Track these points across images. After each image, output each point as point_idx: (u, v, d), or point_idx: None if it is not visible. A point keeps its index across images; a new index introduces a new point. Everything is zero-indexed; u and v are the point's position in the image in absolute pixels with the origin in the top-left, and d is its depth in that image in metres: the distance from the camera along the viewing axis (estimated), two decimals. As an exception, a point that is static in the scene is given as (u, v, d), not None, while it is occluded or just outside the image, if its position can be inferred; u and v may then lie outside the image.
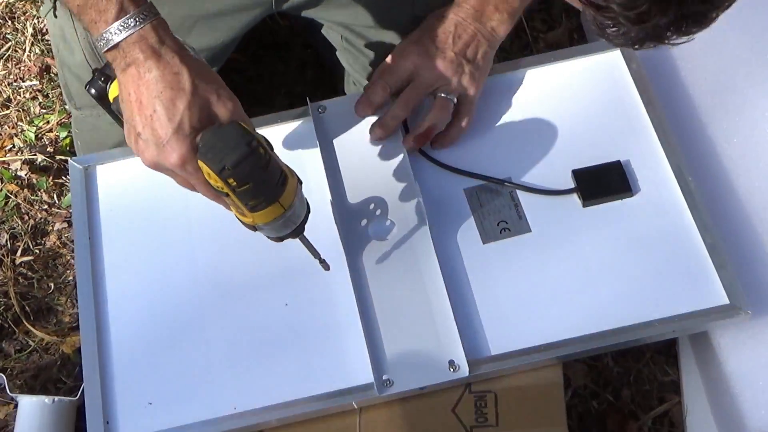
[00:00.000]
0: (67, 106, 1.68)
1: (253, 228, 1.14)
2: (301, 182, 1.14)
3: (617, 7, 0.89)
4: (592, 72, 1.45)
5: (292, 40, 1.93)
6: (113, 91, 1.15)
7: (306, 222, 1.16)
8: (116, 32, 1.08)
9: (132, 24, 1.08)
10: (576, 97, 1.43)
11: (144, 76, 1.08)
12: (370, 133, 1.38)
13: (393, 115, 1.38)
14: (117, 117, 1.17)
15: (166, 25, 1.11)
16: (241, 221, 1.15)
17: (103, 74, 1.16)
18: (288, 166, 1.12)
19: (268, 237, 1.17)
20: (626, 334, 1.23)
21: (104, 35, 1.08)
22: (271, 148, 1.11)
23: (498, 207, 1.33)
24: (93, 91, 1.17)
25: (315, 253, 1.20)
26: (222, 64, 1.54)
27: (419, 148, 1.38)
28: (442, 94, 1.36)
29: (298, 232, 1.16)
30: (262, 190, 1.09)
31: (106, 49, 1.09)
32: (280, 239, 1.17)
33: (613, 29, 0.93)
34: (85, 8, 1.09)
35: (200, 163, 1.08)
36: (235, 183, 1.06)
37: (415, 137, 1.37)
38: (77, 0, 1.08)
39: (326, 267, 1.22)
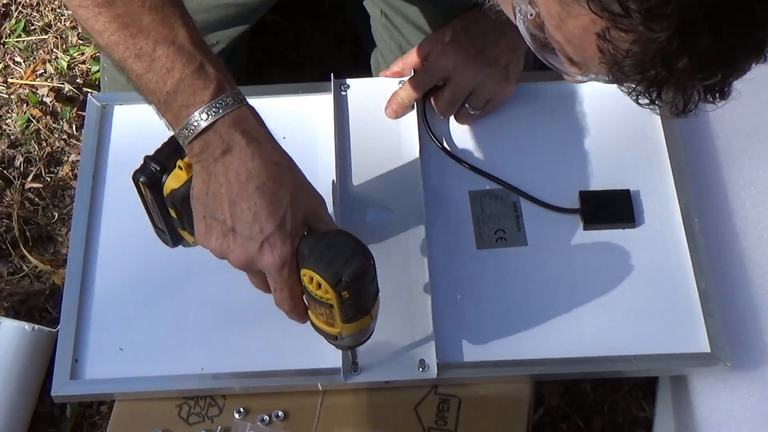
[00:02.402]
0: None
1: (334, 338, 1.07)
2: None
3: (639, 18, 0.78)
4: (620, 95, 1.43)
5: (335, 13, 1.92)
6: (171, 183, 1.06)
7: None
8: (212, 113, 0.99)
9: (230, 102, 0.99)
10: (599, 117, 1.42)
11: (246, 164, 0.98)
12: (385, 108, 1.39)
13: (408, 92, 1.38)
14: (164, 213, 1.09)
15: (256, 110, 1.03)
16: (320, 329, 1.07)
17: (160, 163, 1.06)
18: None
19: (337, 345, 1.11)
20: (601, 364, 1.22)
21: (196, 118, 0.99)
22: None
23: (499, 215, 1.33)
24: (143, 178, 1.06)
25: (354, 358, 1.18)
26: (256, 20, 1.54)
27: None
28: (468, 107, 1.37)
29: (366, 341, 1.11)
30: (364, 302, 1.03)
31: (197, 133, 0.99)
32: (349, 348, 1.13)
33: (629, 62, 0.83)
34: (175, 95, 0.99)
35: (305, 271, 1.00)
36: (347, 295, 0.99)
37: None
38: (166, 88, 1.00)
39: (356, 369, 1.20)
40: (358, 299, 1.01)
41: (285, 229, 0.99)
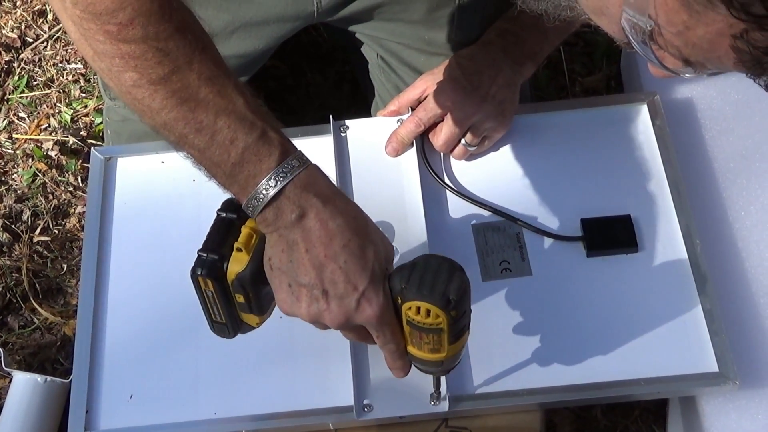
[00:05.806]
0: (102, 94, 1.71)
1: (438, 364, 1.06)
2: None
3: None
4: (616, 123, 1.45)
5: (334, 54, 1.94)
6: (235, 267, 1.03)
7: None
8: (279, 178, 0.97)
9: (296, 165, 0.98)
10: (596, 145, 1.43)
11: (326, 225, 0.98)
12: (385, 147, 1.41)
13: (407, 130, 1.40)
14: (227, 302, 1.06)
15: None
16: (423, 360, 1.06)
17: (215, 251, 1.03)
18: None
19: (436, 373, 1.10)
20: (611, 389, 1.23)
21: (264, 186, 0.97)
22: None
23: (503, 246, 1.34)
24: (204, 272, 1.03)
25: (438, 387, 1.17)
26: (255, 72, 1.56)
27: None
28: (465, 143, 1.39)
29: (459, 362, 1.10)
30: (468, 316, 1.03)
31: (267, 202, 0.97)
32: (446, 372, 1.11)
33: None
34: (241, 165, 0.97)
35: (410, 303, 0.99)
36: (455, 314, 0.98)
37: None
38: (231, 159, 0.97)
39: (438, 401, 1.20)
40: (464, 315, 1.01)
41: (376, 279, 1.00)
